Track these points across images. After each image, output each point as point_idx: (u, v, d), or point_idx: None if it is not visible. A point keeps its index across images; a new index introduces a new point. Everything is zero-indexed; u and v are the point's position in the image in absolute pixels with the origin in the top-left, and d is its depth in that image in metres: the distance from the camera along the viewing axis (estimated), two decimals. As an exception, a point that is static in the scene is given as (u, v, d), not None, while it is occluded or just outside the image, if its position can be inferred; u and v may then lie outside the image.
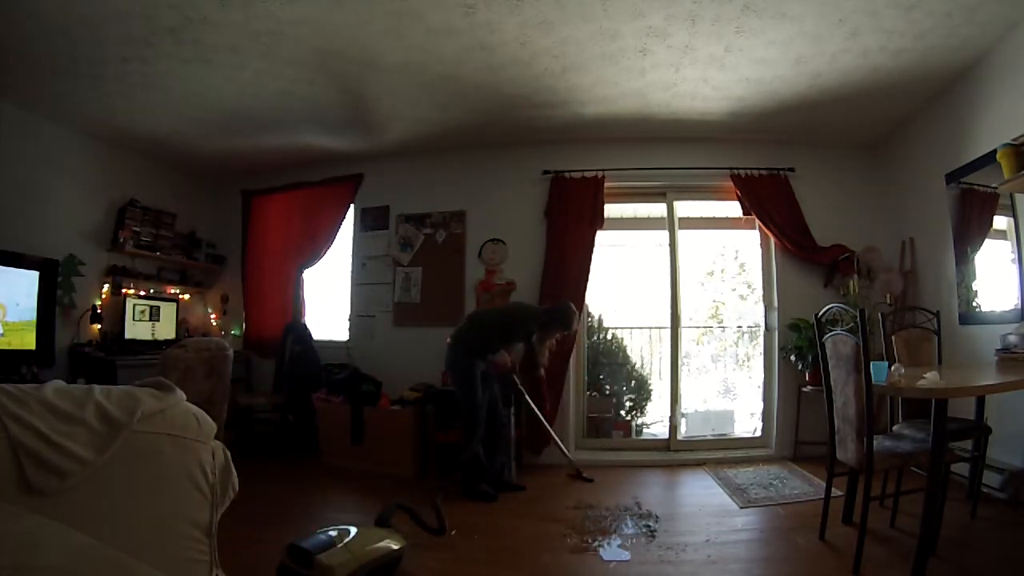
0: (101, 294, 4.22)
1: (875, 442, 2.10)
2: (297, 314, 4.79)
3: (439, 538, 2.50)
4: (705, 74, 3.35)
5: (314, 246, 4.81)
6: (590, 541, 2.48)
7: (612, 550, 2.38)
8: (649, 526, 2.65)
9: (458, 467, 3.25)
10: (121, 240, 4.30)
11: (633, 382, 4.71)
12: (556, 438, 3.79)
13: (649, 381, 4.76)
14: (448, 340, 3.42)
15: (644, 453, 4.16)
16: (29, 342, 3.59)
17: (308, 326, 4.68)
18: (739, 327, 5.27)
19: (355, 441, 3.82)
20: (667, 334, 4.37)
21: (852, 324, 2.18)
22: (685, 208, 4.46)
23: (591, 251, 4.23)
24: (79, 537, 0.83)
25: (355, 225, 4.82)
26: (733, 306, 5.31)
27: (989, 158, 2.85)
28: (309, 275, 4.91)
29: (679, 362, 4.36)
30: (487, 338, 3.33)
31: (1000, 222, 3.03)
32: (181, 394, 1.32)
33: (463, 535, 2.58)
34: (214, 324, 5.17)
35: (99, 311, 4.09)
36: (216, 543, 1.25)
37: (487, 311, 3.71)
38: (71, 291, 3.94)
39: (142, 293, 4.51)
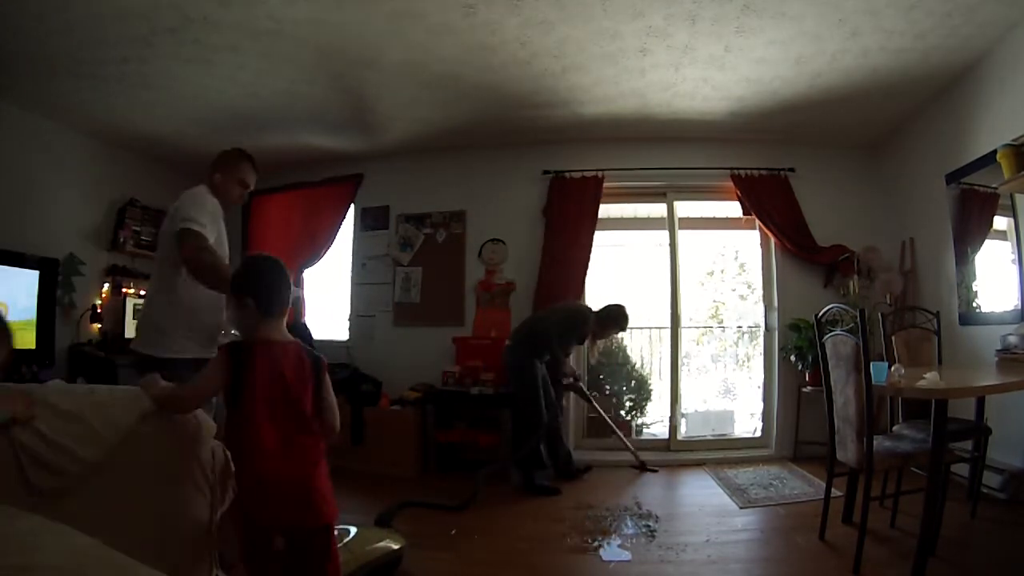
0: (101, 294, 4.22)
1: (875, 442, 2.10)
2: (297, 314, 4.78)
3: (460, 513, 2.80)
4: (705, 74, 3.35)
5: (314, 246, 4.80)
6: (590, 541, 2.48)
7: (612, 550, 2.38)
8: (649, 526, 2.65)
9: (515, 463, 3.38)
10: (121, 240, 4.29)
11: (633, 382, 4.70)
12: (620, 433, 4.03)
13: (649, 381, 4.75)
14: (507, 342, 3.58)
15: (644, 453, 4.14)
16: (29, 342, 3.58)
17: (308, 326, 4.67)
18: (739, 327, 5.27)
19: (355, 441, 3.82)
20: (667, 334, 4.37)
21: (852, 324, 2.18)
22: (685, 208, 4.46)
23: (589, 251, 4.23)
24: (79, 537, 0.83)
25: (355, 225, 4.82)
26: (733, 306, 5.31)
27: (989, 158, 2.84)
28: (309, 275, 4.91)
29: (679, 362, 4.36)
30: (546, 339, 3.46)
31: (1000, 222, 3.03)
32: (181, 394, 1.32)
33: (463, 535, 2.57)
34: (214, 324, 5.16)
35: (99, 311, 4.08)
36: (216, 543, 1.25)
37: (545, 313, 3.75)
38: (71, 291, 3.93)
39: (142, 293, 4.50)
